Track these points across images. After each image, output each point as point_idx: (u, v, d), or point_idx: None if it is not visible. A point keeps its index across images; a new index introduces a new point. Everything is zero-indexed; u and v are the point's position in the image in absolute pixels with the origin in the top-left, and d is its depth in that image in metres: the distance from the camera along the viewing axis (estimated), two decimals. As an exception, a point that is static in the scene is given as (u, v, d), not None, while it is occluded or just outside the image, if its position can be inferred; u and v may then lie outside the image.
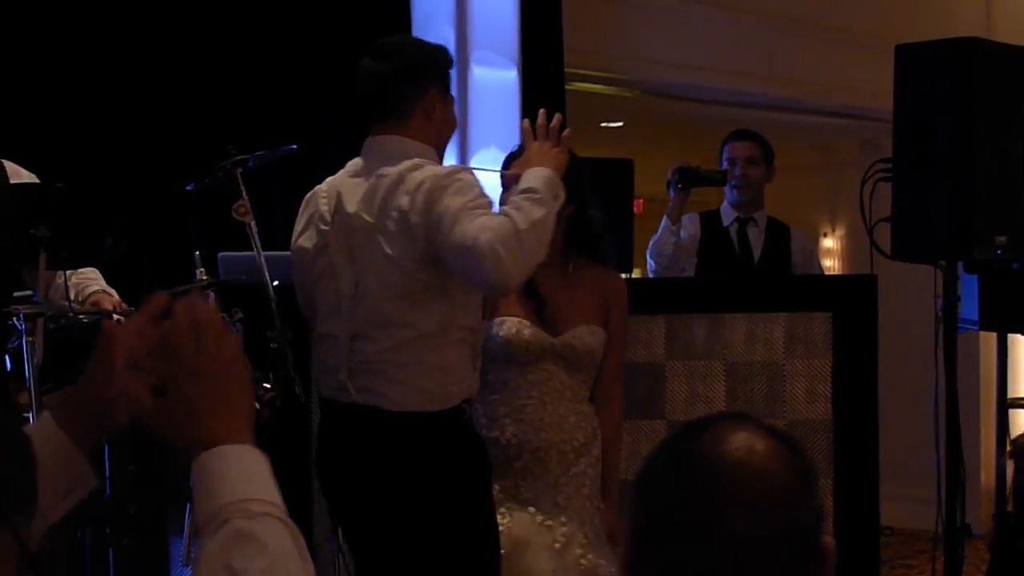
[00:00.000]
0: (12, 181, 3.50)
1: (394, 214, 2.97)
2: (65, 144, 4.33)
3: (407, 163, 3.02)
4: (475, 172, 3.13)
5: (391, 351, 3.01)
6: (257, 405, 3.20)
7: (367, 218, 3.02)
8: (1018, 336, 5.24)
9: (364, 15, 5.01)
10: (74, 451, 1.46)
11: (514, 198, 2.95)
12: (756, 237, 5.14)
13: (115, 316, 3.38)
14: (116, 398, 1.44)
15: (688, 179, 4.94)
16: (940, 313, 3.98)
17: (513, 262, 2.82)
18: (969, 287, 4.37)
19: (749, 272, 5.09)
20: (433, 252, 2.93)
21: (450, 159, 4.36)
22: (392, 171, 3.02)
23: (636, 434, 4.24)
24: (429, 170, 2.98)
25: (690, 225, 5.10)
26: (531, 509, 3.40)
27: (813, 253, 5.60)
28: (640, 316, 4.25)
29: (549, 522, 3.39)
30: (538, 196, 2.93)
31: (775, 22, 6.79)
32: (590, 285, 3.50)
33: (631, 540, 1.31)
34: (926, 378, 4.14)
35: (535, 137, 3.13)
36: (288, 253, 3.31)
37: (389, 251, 2.98)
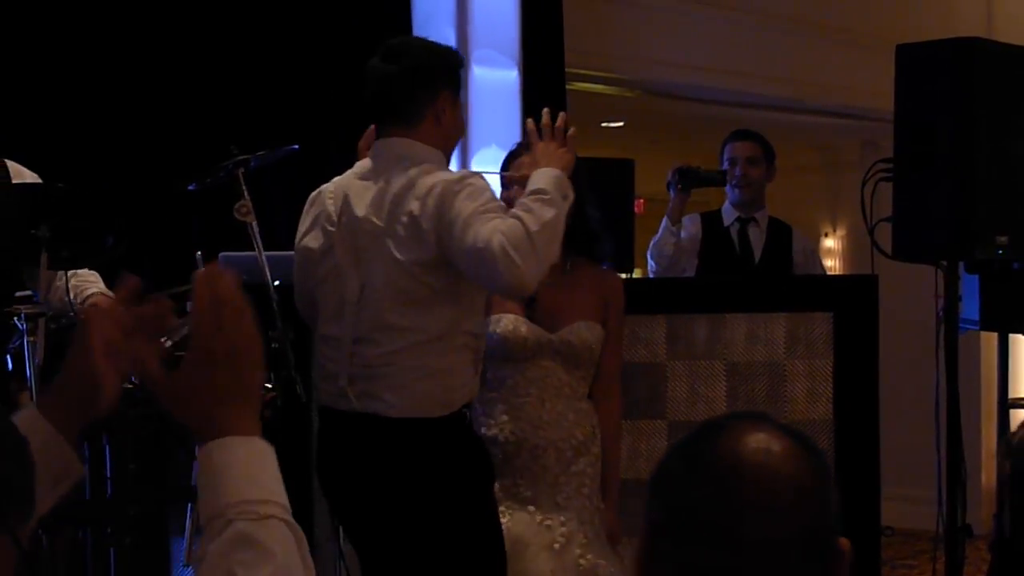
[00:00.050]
0: (14, 181, 3.51)
1: (404, 219, 2.96)
2: (66, 144, 4.33)
3: (416, 168, 3.01)
4: (484, 176, 3.13)
5: (394, 355, 2.99)
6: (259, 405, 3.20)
7: (376, 222, 3.01)
8: (1019, 336, 5.24)
9: (365, 15, 5.01)
10: (60, 440, 1.45)
11: (523, 200, 2.94)
12: (757, 237, 5.14)
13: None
14: (101, 383, 1.44)
15: (688, 180, 4.94)
16: (941, 313, 3.98)
17: (526, 264, 2.82)
18: (970, 287, 4.37)
19: (750, 272, 5.09)
20: (446, 257, 2.92)
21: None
22: (401, 175, 3.01)
23: (637, 434, 4.24)
24: (439, 175, 2.97)
25: (691, 226, 5.10)
26: (531, 508, 3.40)
27: (815, 253, 5.60)
28: (641, 316, 4.25)
29: (548, 521, 3.39)
30: (547, 197, 2.92)
31: (776, 22, 6.79)
32: (588, 283, 3.50)
33: (646, 540, 1.31)
34: (927, 378, 4.14)
35: (541, 137, 3.13)
36: (290, 253, 3.30)
37: (399, 256, 2.96)
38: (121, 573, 3.53)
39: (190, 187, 3.70)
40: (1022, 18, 7.33)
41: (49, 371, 3.17)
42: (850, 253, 8.97)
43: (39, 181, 3.56)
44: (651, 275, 5.10)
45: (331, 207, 3.11)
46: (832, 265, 8.91)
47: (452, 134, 3.17)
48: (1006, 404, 4.72)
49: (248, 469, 1.33)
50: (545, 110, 3.17)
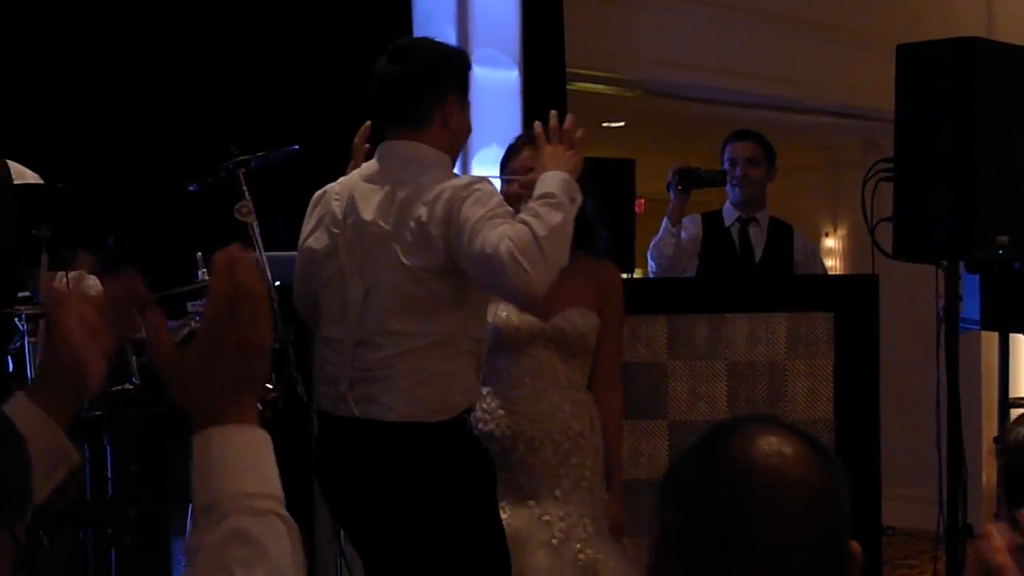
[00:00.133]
0: (16, 182, 3.51)
1: (412, 224, 2.94)
2: (67, 144, 4.33)
3: (424, 172, 2.99)
4: (492, 181, 3.12)
5: (395, 358, 2.98)
6: (259, 406, 3.20)
7: (384, 226, 2.99)
8: (1019, 336, 5.24)
9: (365, 15, 5.01)
10: (51, 424, 1.45)
11: (531, 204, 2.93)
12: (758, 237, 5.14)
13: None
14: (84, 365, 1.44)
15: (688, 180, 4.94)
16: (941, 313, 3.99)
17: (535, 269, 2.81)
18: (970, 287, 4.38)
19: (750, 272, 5.09)
20: (455, 263, 2.91)
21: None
22: (409, 180, 2.99)
23: (638, 434, 4.24)
24: (447, 181, 2.96)
25: (692, 226, 5.10)
26: (531, 503, 3.39)
27: (816, 253, 5.60)
28: (642, 316, 4.25)
29: (547, 516, 3.38)
30: (555, 201, 2.91)
31: (776, 22, 6.79)
32: (583, 274, 3.48)
33: (658, 543, 1.30)
34: (927, 378, 4.14)
35: (548, 140, 3.11)
36: (291, 254, 3.29)
37: (406, 261, 2.95)
38: (122, 573, 3.53)
39: (191, 187, 3.70)
40: (1022, 18, 7.33)
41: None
42: (851, 253, 8.97)
43: (40, 182, 3.56)
44: (651, 275, 5.10)
45: (336, 208, 3.09)
46: (833, 265, 8.91)
47: (459, 137, 3.15)
48: (1006, 404, 4.72)
49: (247, 459, 1.33)
50: (553, 113, 3.15)
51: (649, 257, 5.07)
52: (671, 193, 4.97)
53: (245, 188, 3.51)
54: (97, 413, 3.32)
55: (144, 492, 3.59)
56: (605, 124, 8.47)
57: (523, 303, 3.04)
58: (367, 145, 3.30)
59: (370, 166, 3.13)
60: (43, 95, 4.40)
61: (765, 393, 4.34)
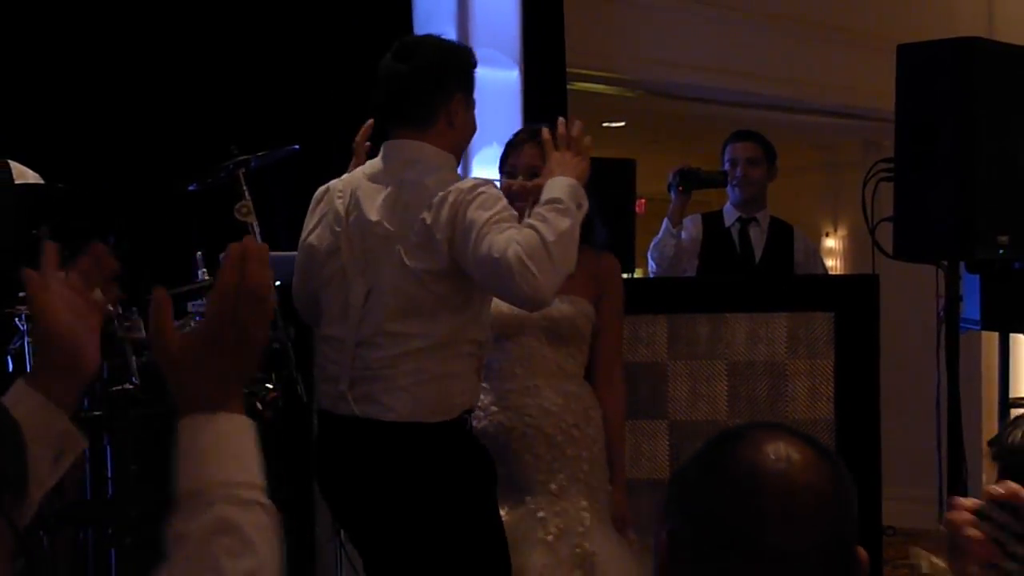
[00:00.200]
0: (17, 182, 3.51)
1: (416, 226, 2.94)
2: (67, 144, 4.33)
3: (428, 173, 2.98)
4: (496, 184, 3.12)
5: (396, 359, 2.97)
6: (259, 406, 3.21)
7: (388, 227, 2.98)
8: (1020, 336, 5.24)
9: (365, 15, 5.01)
10: (52, 409, 1.46)
11: (538, 210, 2.93)
12: (758, 237, 5.14)
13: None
14: (77, 344, 1.44)
15: (689, 181, 4.94)
16: (942, 313, 3.99)
17: (543, 275, 2.81)
18: (971, 287, 4.38)
19: (750, 272, 5.08)
20: (460, 266, 2.91)
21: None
22: (413, 180, 2.98)
23: (638, 434, 4.24)
24: (452, 183, 2.94)
25: (692, 226, 5.10)
26: (527, 499, 3.38)
27: (816, 252, 5.59)
28: (642, 316, 4.25)
29: (542, 512, 3.37)
30: (563, 207, 2.91)
31: (777, 22, 6.78)
32: (581, 264, 3.43)
33: (665, 550, 1.30)
34: (928, 378, 4.15)
35: (556, 146, 3.10)
36: (291, 254, 3.29)
37: (409, 263, 2.94)
38: (122, 573, 3.53)
39: (191, 187, 3.70)
40: (1022, 18, 7.33)
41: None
42: (851, 253, 8.97)
43: (41, 182, 3.56)
44: (651, 276, 5.10)
45: (339, 206, 3.07)
46: (833, 265, 8.91)
47: (464, 135, 3.14)
48: (1007, 404, 4.72)
49: (233, 447, 1.34)
50: (560, 119, 3.14)
51: (649, 257, 5.07)
52: (672, 194, 4.97)
53: (245, 188, 3.51)
54: (97, 413, 3.32)
55: (144, 492, 3.59)
56: (605, 124, 8.47)
57: (529, 307, 3.04)
58: (368, 144, 3.30)
59: (374, 164, 3.11)
60: (43, 95, 4.40)
61: (765, 393, 4.34)
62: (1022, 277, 4.25)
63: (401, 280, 2.96)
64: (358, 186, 3.08)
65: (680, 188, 4.93)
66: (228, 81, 4.72)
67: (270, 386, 3.27)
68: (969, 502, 1.47)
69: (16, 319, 3.20)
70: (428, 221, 2.92)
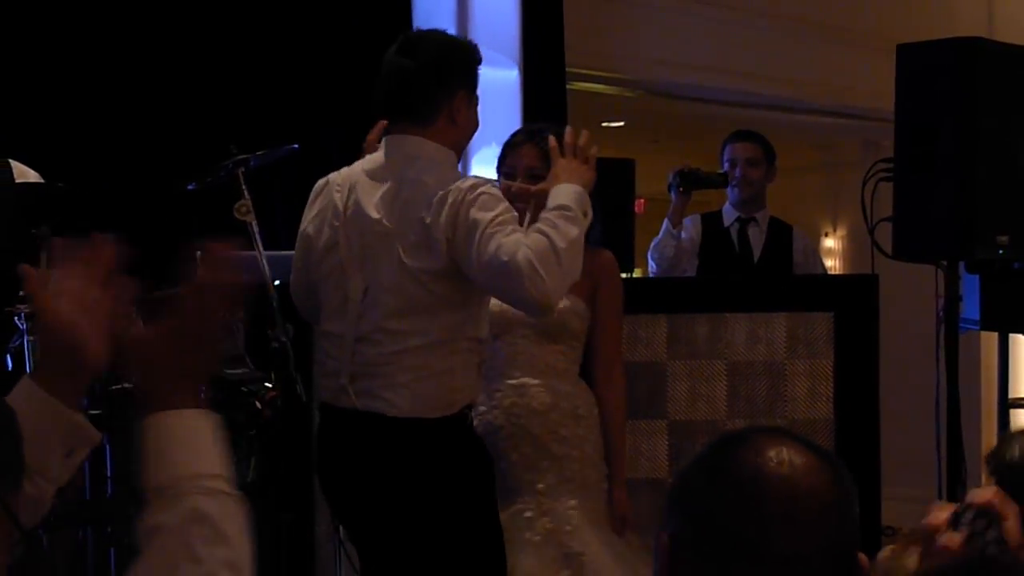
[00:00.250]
0: (18, 181, 3.51)
1: (415, 225, 2.93)
2: (66, 143, 4.33)
3: (428, 171, 2.97)
4: (495, 184, 3.11)
5: (395, 355, 2.97)
6: (258, 405, 3.21)
7: (386, 224, 2.97)
8: (1019, 336, 5.24)
9: (365, 15, 5.01)
10: (57, 405, 1.46)
11: (547, 215, 2.93)
12: (757, 237, 5.14)
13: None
14: (77, 339, 1.45)
15: (689, 181, 4.94)
16: (941, 313, 3.99)
17: (551, 280, 2.81)
18: (970, 287, 4.37)
19: (749, 271, 5.09)
20: (459, 267, 2.90)
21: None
22: (413, 177, 2.97)
23: (638, 434, 4.24)
24: (452, 182, 2.93)
25: (691, 227, 5.10)
26: (516, 499, 3.36)
27: (816, 252, 5.60)
28: (642, 316, 4.25)
29: (529, 512, 3.36)
30: (571, 214, 2.91)
31: (776, 22, 6.79)
32: None
33: (667, 552, 1.30)
34: (927, 378, 4.14)
35: (562, 154, 3.10)
36: (290, 253, 3.28)
37: (407, 261, 2.94)
38: (122, 573, 3.53)
39: (190, 187, 3.70)
40: (1022, 18, 7.33)
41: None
42: (850, 253, 8.97)
43: (42, 182, 3.56)
44: (652, 276, 5.10)
45: (338, 200, 3.06)
46: (832, 265, 8.91)
47: (466, 132, 3.13)
48: (1006, 404, 4.72)
49: (198, 442, 1.37)
50: (569, 128, 3.15)
51: (649, 258, 5.07)
52: (672, 194, 4.97)
53: (244, 187, 3.51)
54: (97, 413, 3.32)
55: (143, 492, 3.59)
56: (605, 124, 8.47)
57: (536, 312, 3.04)
58: (379, 144, 3.29)
59: (374, 159, 3.10)
60: (43, 95, 4.40)
61: (765, 393, 4.34)
62: (1022, 277, 4.25)
63: (399, 279, 2.96)
64: (357, 181, 3.06)
65: (680, 189, 4.93)
66: (227, 80, 4.72)
67: (269, 385, 3.26)
68: (947, 508, 1.47)
69: (16, 318, 3.20)
70: (427, 220, 2.91)
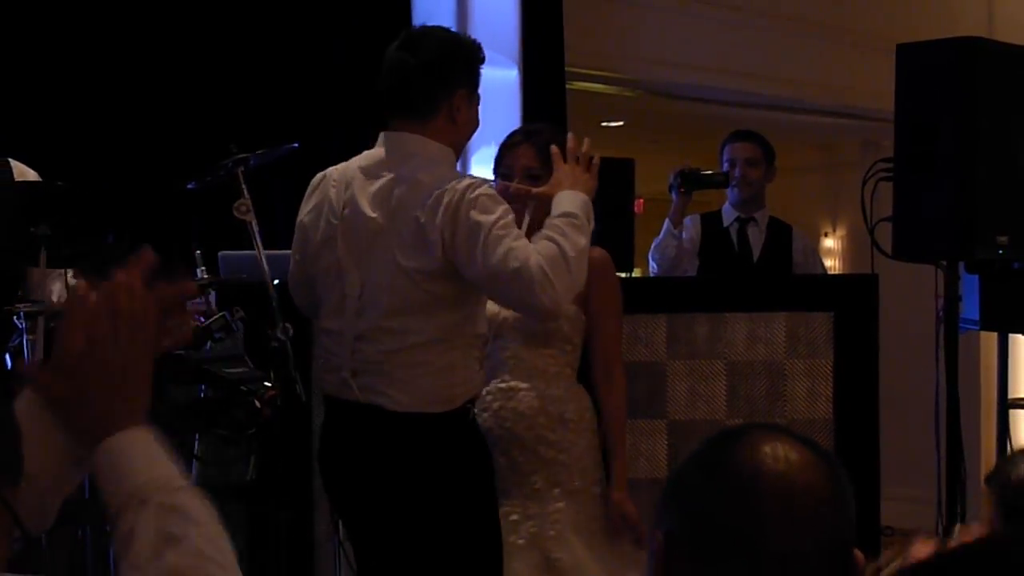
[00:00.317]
0: (17, 180, 3.51)
1: (410, 224, 2.93)
2: (66, 142, 4.33)
3: (424, 167, 2.97)
4: (491, 184, 3.11)
5: (394, 354, 2.98)
6: (258, 404, 3.20)
7: (380, 221, 2.97)
8: (1019, 336, 5.24)
9: (365, 15, 5.01)
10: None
11: (555, 222, 2.94)
12: (756, 236, 5.14)
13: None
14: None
15: (690, 182, 4.94)
16: (941, 313, 3.99)
17: (562, 287, 2.84)
18: (970, 287, 4.37)
19: (748, 271, 5.09)
20: (459, 269, 2.90)
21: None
22: (409, 175, 2.97)
23: (637, 434, 4.23)
24: (448, 182, 2.92)
25: (691, 227, 5.10)
26: (503, 501, 3.35)
27: (815, 252, 5.60)
28: (641, 315, 4.25)
29: (515, 515, 3.34)
30: (579, 223, 2.93)
31: (776, 22, 6.79)
32: None
33: (661, 552, 1.29)
34: (927, 378, 4.14)
35: (564, 160, 3.10)
36: (289, 252, 3.29)
37: (402, 261, 2.94)
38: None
39: (190, 185, 3.69)
40: (1023, 18, 7.33)
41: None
42: (850, 253, 8.97)
43: (41, 180, 3.56)
44: (652, 276, 5.10)
45: (334, 195, 3.06)
46: (832, 265, 8.91)
47: (465, 131, 3.12)
48: (1006, 404, 4.72)
49: (150, 454, 1.37)
50: (570, 134, 3.17)
51: (651, 258, 5.07)
52: (673, 195, 4.97)
53: (244, 186, 3.51)
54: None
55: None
56: (604, 124, 8.47)
57: (542, 318, 3.05)
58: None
59: (371, 155, 3.09)
60: (43, 95, 4.40)
61: (764, 393, 4.34)
62: (1021, 277, 4.25)
63: (394, 278, 2.96)
64: (353, 177, 3.06)
65: (681, 189, 4.93)
66: (227, 79, 4.72)
67: (268, 384, 3.26)
68: (930, 544, 1.44)
69: (15, 317, 3.20)
70: (422, 219, 2.91)
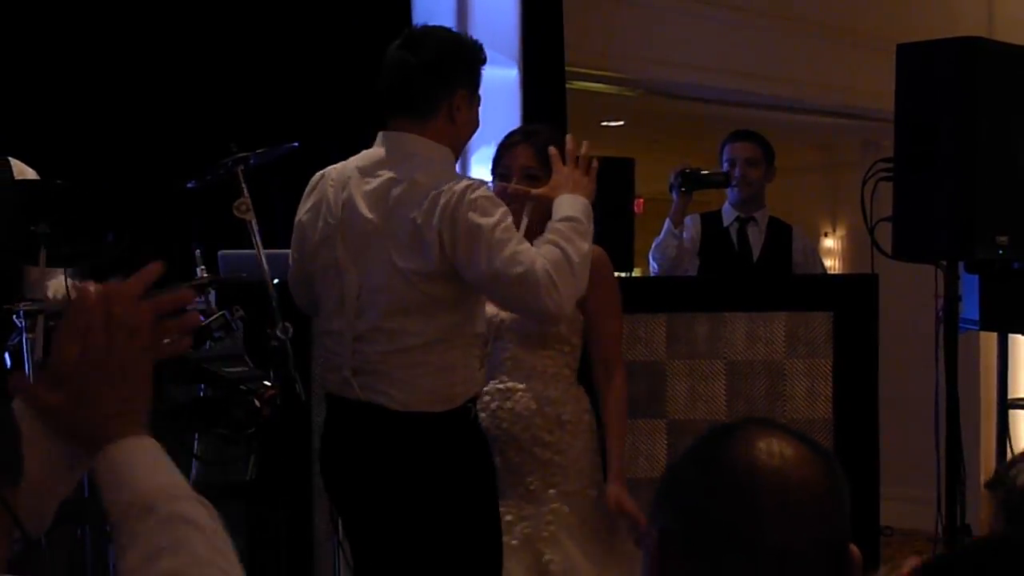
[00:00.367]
0: (17, 179, 3.51)
1: (406, 225, 2.92)
2: (66, 141, 4.33)
3: (421, 167, 2.96)
4: (489, 185, 3.11)
5: (394, 354, 2.98)
6: (257, 403, 3.20)
7: (377, 222, 2.97)
8: (1019, 336, 5.24)
9: (365, 15, 5.01)
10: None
11: (558, 226, 2.94)
12: (756, 236, 5.14)
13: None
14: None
15: (690, 182, 4.94)
16: (941, 313, 3.99)
17: (567, 292, 2.86)
18: (970, 287, 4.38)
19: (748, 271, 5.09)
20: (460, 272, 2.90)
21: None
22: (406, 176, 2.96)
23: (637, 433, 4.24)
24: (445, 183, 2.91)
25: (691, 226, 5.10)
26: (500, 502, 3.34)
27: (815, 252, 5.60)
28: (641, 315, 4.25)
29: (509, 516, 3.33)
30: (582, 227, 2.94)
31: (776, 22, 6.79)
32: None
33: (657, 549, 1.29)
34: (927, 378, 4.14)
35: (564, 162, 3.10)
36: (289, 251, 3.29)
37: (398, 262, 2.93)
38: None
39: (190, 184, 3.69)
40: (1023, 18, 7.33)
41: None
42: (850, 253, 8.97)
43: (40, 179, 3.56)
44: (652, 276, 5.10)
45: (332, 196, 3.06)
46: (832, 265, 8.91)
47: (465, 131, 3.11)
48: (1006, 404, 4.73)
49: (149, 462, 1.36)
50: (569, 136, 3.16)
51: (651, 258, 5.07)
52: (673, 194, 4.97)
53: (244, 185, 3.50)
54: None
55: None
56: (604, 123, 8.47)
57: (545, 322, 3.05)
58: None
59: (369, 155, 3.08)
60: (43, 94, 4.40)
61: (764, 392, 4.34)
62: (1021, 277, 4.25)
63: (391, 280, 2.95)
64: (351, 177, 3.05)
65: (682, 189, 4.93)
66: (227, 79, 4.72)
67: (268, 383, 3.26)
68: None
69: (14, 315, 3.19)
70: (418, 221, 2.90)
